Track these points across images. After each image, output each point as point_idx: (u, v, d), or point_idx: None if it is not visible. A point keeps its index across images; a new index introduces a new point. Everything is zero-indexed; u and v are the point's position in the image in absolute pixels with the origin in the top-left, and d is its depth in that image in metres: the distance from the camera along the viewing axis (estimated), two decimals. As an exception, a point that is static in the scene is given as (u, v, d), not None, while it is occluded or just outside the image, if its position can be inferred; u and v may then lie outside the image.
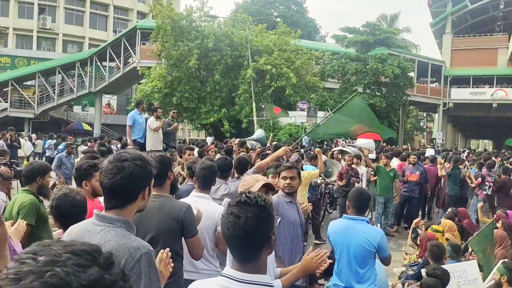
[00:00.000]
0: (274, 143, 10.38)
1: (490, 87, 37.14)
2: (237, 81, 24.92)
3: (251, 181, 3.03)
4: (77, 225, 1.98)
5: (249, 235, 1.55)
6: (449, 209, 7.43)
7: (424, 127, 56.31)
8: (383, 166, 9.83)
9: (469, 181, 10.34)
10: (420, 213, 11.19)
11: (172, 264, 2.17)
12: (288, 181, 3.75)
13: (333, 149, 13.15)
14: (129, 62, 32.16)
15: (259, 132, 16.81)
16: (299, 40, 27.47)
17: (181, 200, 3.34)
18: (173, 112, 10.70)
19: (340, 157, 11.95)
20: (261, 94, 24.80)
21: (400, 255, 7.57)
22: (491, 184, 9.98)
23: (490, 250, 5.49)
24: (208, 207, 3.28)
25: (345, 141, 15.15)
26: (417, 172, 10.16)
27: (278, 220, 3.22)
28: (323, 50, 31.57)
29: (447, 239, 6.14)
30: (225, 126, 24.40)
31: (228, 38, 25.12)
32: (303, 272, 2.54)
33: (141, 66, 28.99)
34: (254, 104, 23.62)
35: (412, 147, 24.75)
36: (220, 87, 25.09)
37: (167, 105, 23.06)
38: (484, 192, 10.01)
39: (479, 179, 10.14)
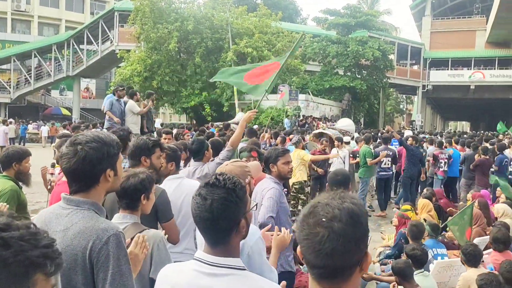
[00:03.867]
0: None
1: (468, 69, 37.67)
2: (218, 64, 24.64)
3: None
4: (46, 209, 1.94)
5: (215, 218, 1.52)
6: (425, 189, 7.54)
7: (404, 109, 56.94)
8: (370, 148, 9.92)
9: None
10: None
11: (149, 248, 2.16)
12: (290, 166, 3.80)
13: (313, 132, 13.23)
14: (112, 43, 31.44)
15: (240, 116, 16.78)
16: (280, 23, 27.31)
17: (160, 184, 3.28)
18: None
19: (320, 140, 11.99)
20: (242, 77, 24.62)
21: (379, 235, 7.69)
22: (445, 161, 10.40)
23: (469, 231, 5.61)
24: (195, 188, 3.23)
25: (325, 124, 15.24)
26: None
27: (254, 204, 3.22)
28: (304, 32, 31.39)
29: (424, 219, 6.25)
30: (206, 110, 24.24)
31: (208, 20, 24.80)
32: (280, 250, 2.63)
33: (119, 49, 28.44)
34: (235, 88, 23.46)
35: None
36: (201, 70, 24.84)
37: (147, 89, 22.72)
38: (441, 170, 10.46)
39: (431, 158, 10.57)
